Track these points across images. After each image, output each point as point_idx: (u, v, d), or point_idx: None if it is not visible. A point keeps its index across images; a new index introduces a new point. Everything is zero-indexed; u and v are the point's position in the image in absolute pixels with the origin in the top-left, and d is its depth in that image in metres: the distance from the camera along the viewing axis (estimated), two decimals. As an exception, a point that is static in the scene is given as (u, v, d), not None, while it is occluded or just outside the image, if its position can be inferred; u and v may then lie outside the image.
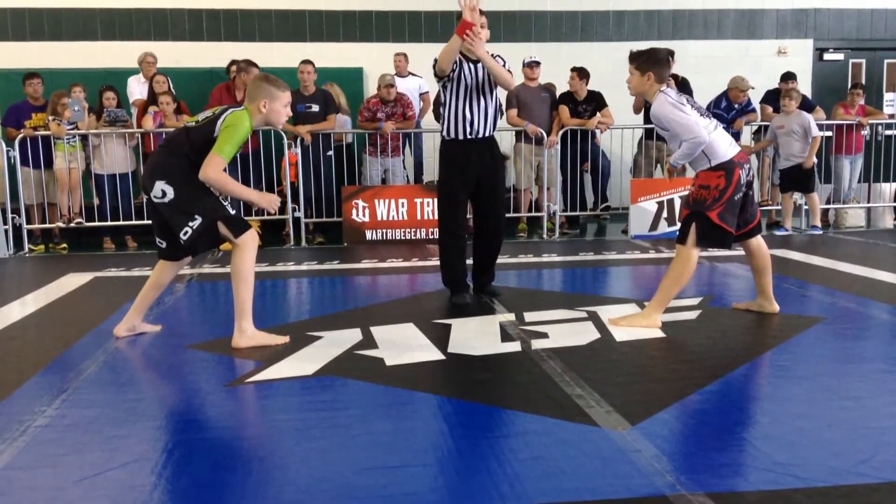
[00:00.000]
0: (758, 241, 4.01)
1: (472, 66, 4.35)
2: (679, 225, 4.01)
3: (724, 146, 3.77)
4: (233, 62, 7.95)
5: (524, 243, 7.34)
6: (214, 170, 3.39)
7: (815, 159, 7.46)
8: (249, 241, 3.53)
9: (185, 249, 3.60)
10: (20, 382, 3.08)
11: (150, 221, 3.82)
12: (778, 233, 7.60)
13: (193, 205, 3.47)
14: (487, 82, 4.37)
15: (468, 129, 4.38)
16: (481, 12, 4.28)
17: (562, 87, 8.02)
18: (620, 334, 3.70)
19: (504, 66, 4.38)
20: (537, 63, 7.65)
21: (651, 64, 3.81)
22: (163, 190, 3.46)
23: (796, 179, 7.59)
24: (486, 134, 4.43)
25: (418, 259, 6.30)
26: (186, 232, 3.48)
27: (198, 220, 3.47)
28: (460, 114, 4.38)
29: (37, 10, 8.93)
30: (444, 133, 4.47)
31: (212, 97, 7.54)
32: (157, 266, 3.78)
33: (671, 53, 3.91)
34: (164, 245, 3.66)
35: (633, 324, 3.84)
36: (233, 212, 3.60)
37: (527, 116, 7.59)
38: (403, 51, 8.53)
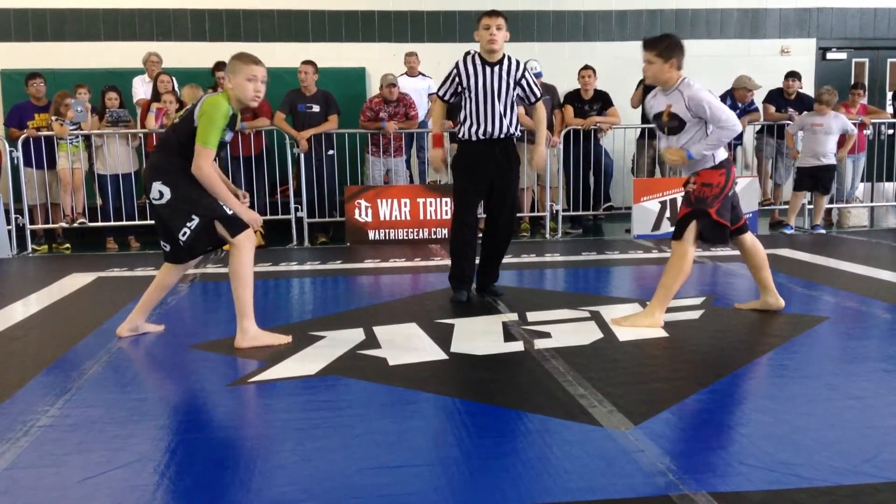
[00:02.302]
0: (751, 238, 4.03)
1: (487, 69, 4.38)
2: (676, 223, 4.02)
3: (725, 145, 3.83)
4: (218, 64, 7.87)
5: (527, 243, 7.33)
6: (206, 162, 3.40)
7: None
8: (246, 241, 3.52)
9: (186, 251, 3.60)
10: (23, 382, 3.09)
11: (152, 221, 3.82)
12: (786, 231, 7.54)
13: (190, 205, 3.47)
14: (500, 85, 4.38)
15: (479, 130, 4.40)
16: (500, 13, 4.34)
17: (563, 87, 8.01)
18: (623, 334, 3.70)
19: (522, 67, 4.45)
20: (539, 74, 7.64)
21: (673, 49, 3.77)
22: (160, 191, 3.46)
23: (818, 179, 7.49)
24: (500, 135, 4.43)
25: (421, 259, 6.30)
26: (185, 233, 3.48)
27: (195, 220, 3.46)
28: (472, 115, 4.41)
29: (39, 10, 8.94)
30: (459, 134, 4.51)
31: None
32: (162, 268, 3.77)
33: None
34: (168, 248, 3.65)
35: (636, 323, 3.84)
36: (230, 212, 3.58)
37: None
38: (405, 50, 8.53)
